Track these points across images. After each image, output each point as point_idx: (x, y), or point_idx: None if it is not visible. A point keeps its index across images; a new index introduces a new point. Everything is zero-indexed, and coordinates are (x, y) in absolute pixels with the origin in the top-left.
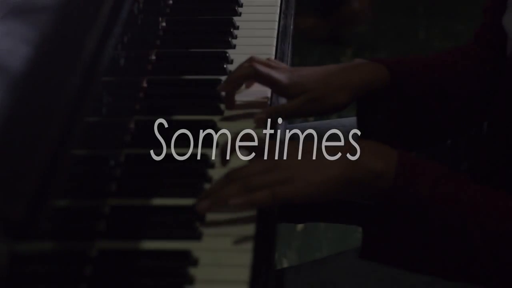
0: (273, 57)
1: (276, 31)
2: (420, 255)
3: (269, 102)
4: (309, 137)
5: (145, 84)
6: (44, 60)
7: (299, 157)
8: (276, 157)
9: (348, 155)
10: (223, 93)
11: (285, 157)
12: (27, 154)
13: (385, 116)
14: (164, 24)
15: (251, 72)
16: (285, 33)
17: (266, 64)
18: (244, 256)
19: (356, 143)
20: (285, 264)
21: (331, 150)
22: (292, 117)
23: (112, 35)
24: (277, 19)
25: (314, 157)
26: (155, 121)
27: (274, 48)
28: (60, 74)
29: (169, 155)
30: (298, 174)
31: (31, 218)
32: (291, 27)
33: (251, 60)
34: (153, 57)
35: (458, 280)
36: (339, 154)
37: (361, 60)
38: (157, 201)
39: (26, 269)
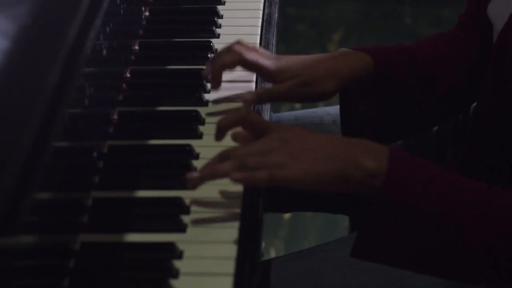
0: (257, 46)
1: (260, 20)
2: (415, 254)
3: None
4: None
5: (128, 75)
6: (24, 52)
7: (298, 145)
8: (276, 141)
9: (344, 152)
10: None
11: (284, 141)
12: (6, 148)
13: (368, 106)
14: (147, 13)
15: (238, 59)
16: (269, 22)
17: (253, 49)
18: (229, 248)
19: (351, 141)
20: (272, 253)
21: (329, 144)
22: (280, 100)
23: (93, 26)
24: (262, 8)
25: (312, 148)
26: (138, 112)
27: (258, 37)
28: (40, 66)
29: (152, 147)
30: (295, 161)
31: (11, 214)
32: (276, 15)
33: (238, 43)
34: (136, 47)
35: (455, 279)
36: (335, 150)
37: (346, 49)
38: (141, 193)
39: (8, 264)
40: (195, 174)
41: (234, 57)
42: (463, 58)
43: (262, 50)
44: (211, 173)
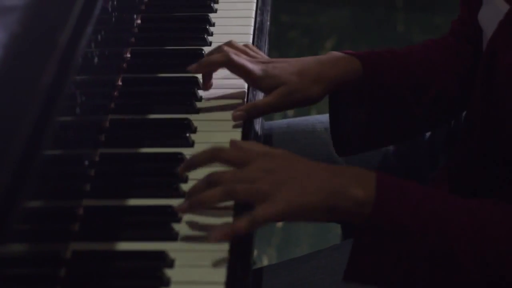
0: (249, 45)
1: (252, 28)
2: (408, 278)
3: (245, 99)
4: (286, 135)
5: (119, 83)
6: (15, 59)
7: (282, 174)
8: (258, 171)
9: (330, 182)
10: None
11: (267, 172)
12: None
13: (357, 111)
14: (139, 21)
15: (225, 61)
16: (261, 30)
17: (243, 51)
18: (221, 256)
19: (338, 169)
20: (265, 261)
21: (314, 174)
22: (270, 112)
23: (85, 33)
24: (254, 16)
25: (297, 178)
26: (130, 120)
27: None
28: (31, 73)
29: (144, 155)
30: (279, 193)
31: (1, 223)
32: (268, 23)
33: (228, 45)
34: (128, 55)
35: None
36: (321, 180)
37: (335, 53)
38: (132, 202)
39: None
40: (184, 205)
41: (222, 58)
42: (454, 65)
43: (252, 51)
44: (199, 201)
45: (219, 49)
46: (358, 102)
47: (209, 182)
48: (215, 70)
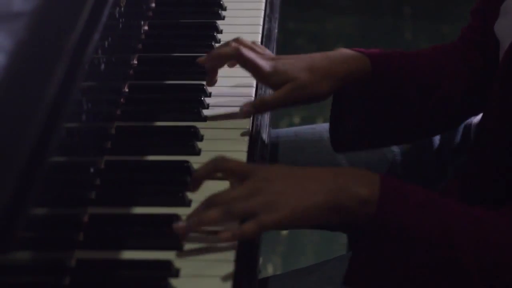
0: (257, 42)
1: (260, 35)
2: (410, 281)
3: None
4: (293, 143)
5: (126, 89)
6: (21, 67)
7: (283, 182)
8: (259, 181)
9: (333, 181)
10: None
11: (268, 181)
12: (2, 163)
13: (361, 110)
14: (146, 28)
15: (235, 54)
16: (269, 37)
17: (251, 47)
18: (226, 266)
19: (340, 169)
20: (270, 269)
21: (315, 176)
22: (278, 107)
23: (92, 40)
24: (261, 23)
25: (298, 182)
26: (136, 127)
27: None
28: (38, 80)
29: (150, 162)
30: (281, 200)
31: (6, 230)
32: (276, 30)
33: (237, 41)
34: (135, 62)
35: None
36: (324, 180)
37: (344, 50)
38: (138, 210)
39: (2, 281)
40: (181, 224)
41: (232, 51)
42: (461, 71)
43: (260, 48)
44: (198, 222)
45: (227, 43)
46: (362, 100)
47: (208, 204)
48: (224, 63)
